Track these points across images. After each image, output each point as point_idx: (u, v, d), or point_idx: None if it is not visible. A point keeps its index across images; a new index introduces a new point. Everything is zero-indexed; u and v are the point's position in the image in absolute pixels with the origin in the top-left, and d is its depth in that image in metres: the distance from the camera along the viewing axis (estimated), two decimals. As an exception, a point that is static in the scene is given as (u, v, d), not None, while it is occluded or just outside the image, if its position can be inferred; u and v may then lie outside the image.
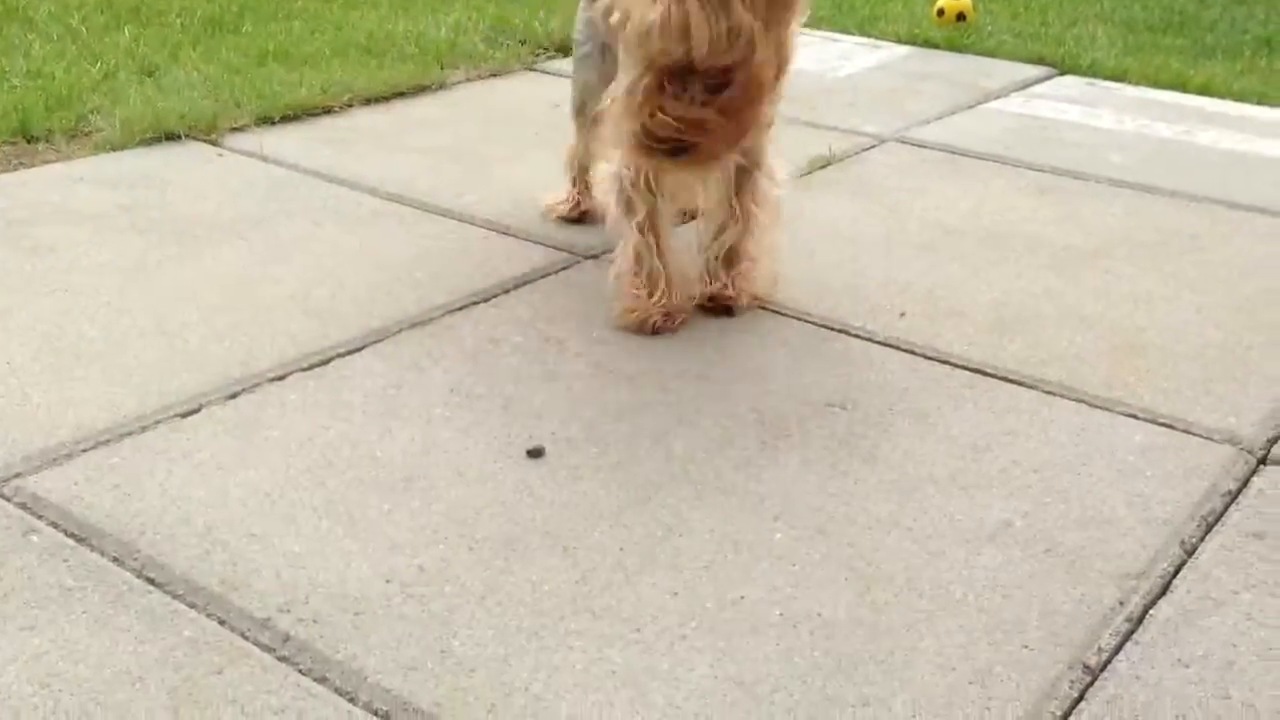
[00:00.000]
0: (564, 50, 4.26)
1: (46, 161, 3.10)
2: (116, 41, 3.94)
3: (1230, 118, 3.81)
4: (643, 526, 1.78)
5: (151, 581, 1.63)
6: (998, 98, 3.99)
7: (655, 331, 2.32)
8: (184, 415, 2.02)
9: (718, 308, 2.41)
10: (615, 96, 2.12)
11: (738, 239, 2.39)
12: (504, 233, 2.77)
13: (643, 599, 1.63)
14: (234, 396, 2.08)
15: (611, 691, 1.48)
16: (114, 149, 3.18)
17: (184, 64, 3.77)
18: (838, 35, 4.69)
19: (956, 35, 4.68)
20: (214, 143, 3.27)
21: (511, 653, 1.53)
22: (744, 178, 2.36)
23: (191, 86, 3.55)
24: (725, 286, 2.41)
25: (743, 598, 1.64)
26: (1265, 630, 1.61)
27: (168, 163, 3.12)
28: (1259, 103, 3.98)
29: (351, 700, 1.46)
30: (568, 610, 1.61)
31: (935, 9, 4.83)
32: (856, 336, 2.33)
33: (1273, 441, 2.04)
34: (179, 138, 3.27)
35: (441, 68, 3.97)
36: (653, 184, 2.28)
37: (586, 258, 2.65)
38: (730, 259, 2.41)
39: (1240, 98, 4.03)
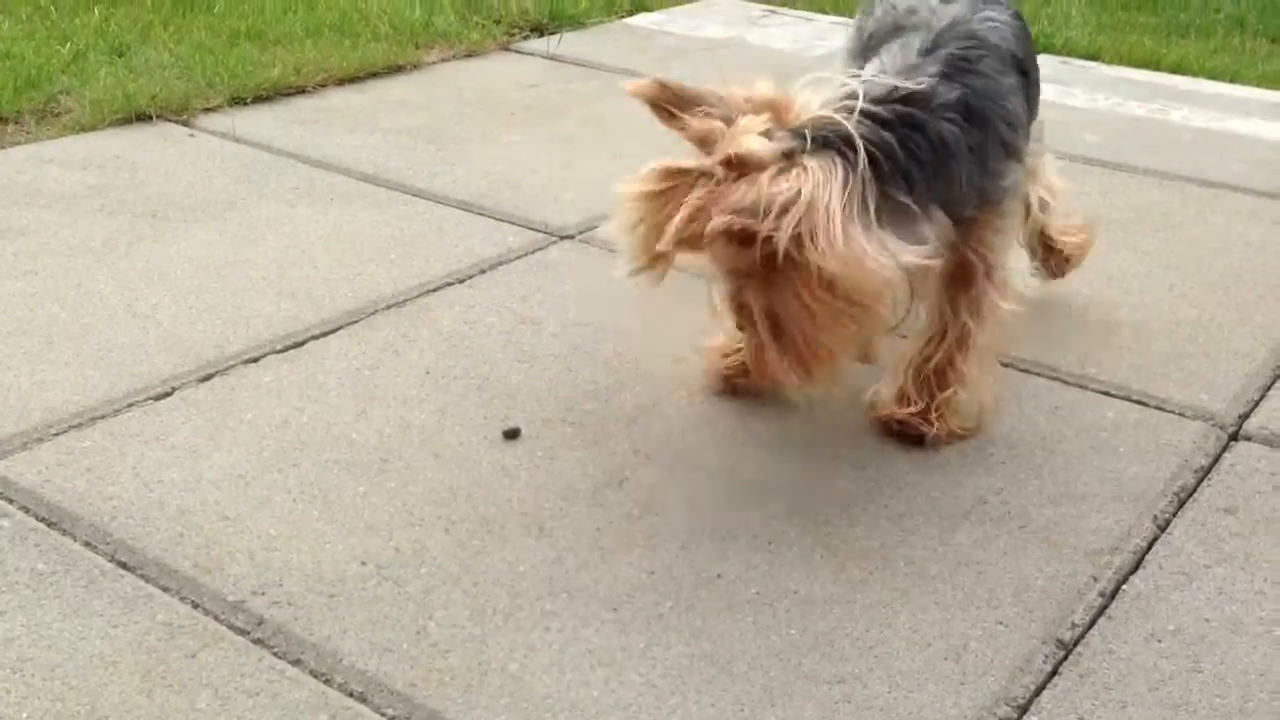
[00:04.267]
0: (539, 30, 4.25)
1: (15, 143, 3.06)
2: (86, 21, 3.90)
3: (1203, 96, 3.82)
4: (619, 506, 1.78)
5: (124, 565, 1.62)
6: (973, 76, 3.99)
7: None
8: (157, 398, 2.00)
9: (905, 435, 1.94)
10: None
11: (948, 358, 1.91)
12: (479, 213, 2.76)
13: (619, 578, 1.64)
14: (207, 379, 2.06)
15: (588, 671, 1.48)
16: (84, 130, 3.15)
17: (155, 44, 3.73)
18: (813, 15, 4.68)
19: (932, 14, 4.67)
20: (186, 123, 3.24)
21: (488, 633, 1.53)
22: (964, 282, 1.87)
23: (163, 66, 3.51)
24: (924, 412, 1.93)
25: (719, 576, 1.65)
26: (1236, 604, 1.62)
27: (139, 143, 3.09)
28: (1232, 81, 3.99)
29: (327, 682, 1.45)
30: (544, 590, 1.61)
31: (911, -12, 4.82)
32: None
33: (1244, 418, 2.05)
34: (150, 118, 3.23)
35: (416, 47, 3.94)
36: None
37: (562, 238, 2.64)
38: (934, 381, 1.92)
39: (1213, 76, 4.05)
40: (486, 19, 4.24)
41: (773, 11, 4.67)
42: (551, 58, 3.99)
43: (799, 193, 1.54)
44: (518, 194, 2.87)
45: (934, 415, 1.93)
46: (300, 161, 3.02)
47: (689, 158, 1.62)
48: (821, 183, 1.56)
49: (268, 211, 2.73)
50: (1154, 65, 4.14)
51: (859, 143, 1.60)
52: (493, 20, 4.24)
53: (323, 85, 3.58)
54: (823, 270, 1.57)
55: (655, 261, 1.64)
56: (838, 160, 1.60)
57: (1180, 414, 2.06)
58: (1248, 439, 2.00)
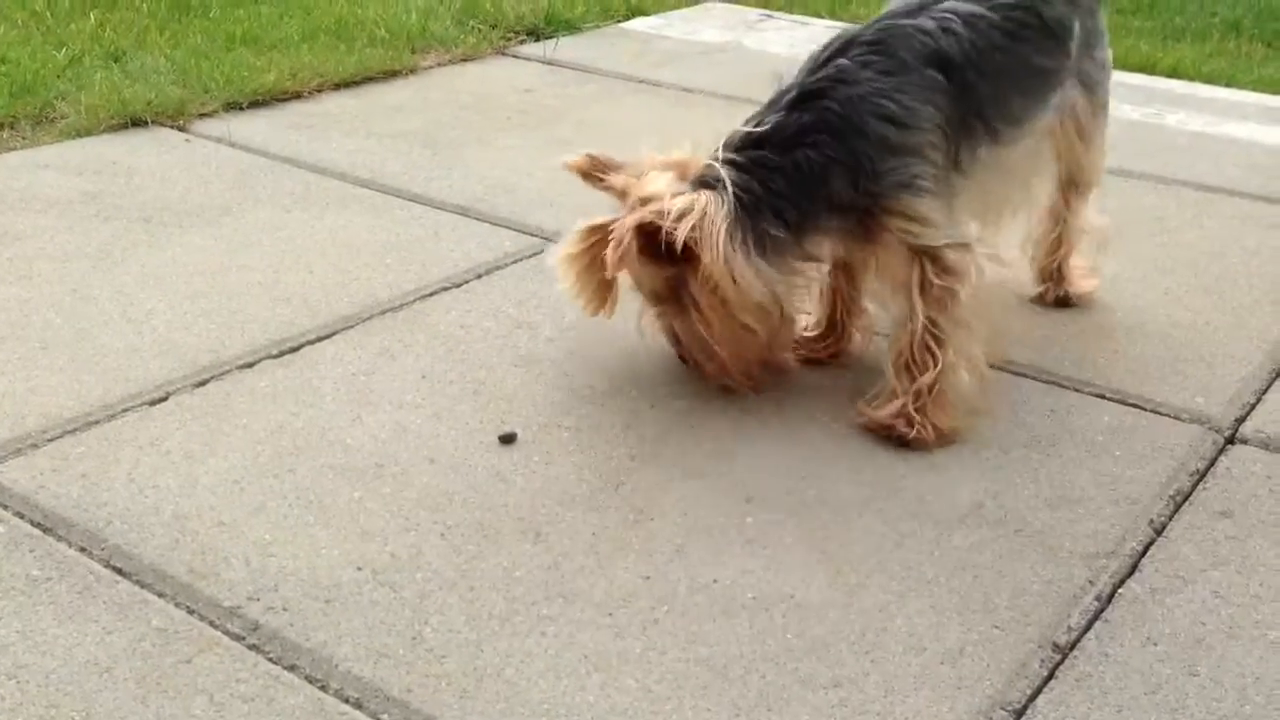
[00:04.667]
0: (535, 35, 4.25)
1: (11, 148, 3.06)
2: (82, 27, 3.90)
3: (1199, 100, 3.83)
4: (615, 511, 1.78)
5: (119, 571, 1.62)
6: (969, 81, 3.99)
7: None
8: (152, 403, 2.00)
9: (890, 438, 1.96)
10: None
11: (922, 346, 1.94)
12: (475, 218, 2.76)
13: (615, 583, 1.63)
14: (203, 384, 2.06)
15: (584, 676, 1.48)
16: (80, 135, 3.14)
17: (150, 49, 3.73)
18: (809, 19, 4.68)
19: (928, 18, 4.67)
20: (181, 128, 3.23)
21: (484, 638, 1.53)
22: (904, 272, 1.95)
23: (158, 72, 3.51)
24: (907, 414, 1.94)
25: (715, 581, 1.64)
26: (1232, 608, 1.62)
27: (134, 149, 3.09)
28: (1227, 85, 4.00)
29: (322, 688, 1.45)
30: (540, 595, 1.61)
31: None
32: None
33: (1240, 421, 2.05)
34: (146, 124, 3.23)
35: (412, 52, 3.94)
36: None
37: (558, 243, 2.63)
38: (914, 370, 1.95)
39: (1209, 80, 4.05)
40: (482, 24, 4.25)
41: (769, 16, 4.67)
42: (548, 62, 3.99)
43: (693, 204, 1.84)
44: (514, 198, 2.87)
45: (916, 415, 1.94)
46: (296, 166, 3.02)
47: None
48: (712, 202, 1.85)
49: (263, 217, 2.73)
50: (1150, 69, 4.14)
51: (728, 185, 1.87)
52: (488, 25, 4.25)
53: (318, 90, 3.58)
54: (712, 279, 1.86)
55: (600, 305, 2.00)
56: (721, 195, 1.87)
57: (1176, 417, 2.06)
58: (1244, 442, 2.00)
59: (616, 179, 1.97)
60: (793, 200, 1.90)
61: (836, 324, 2.18)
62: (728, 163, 1.90)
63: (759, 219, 1.88)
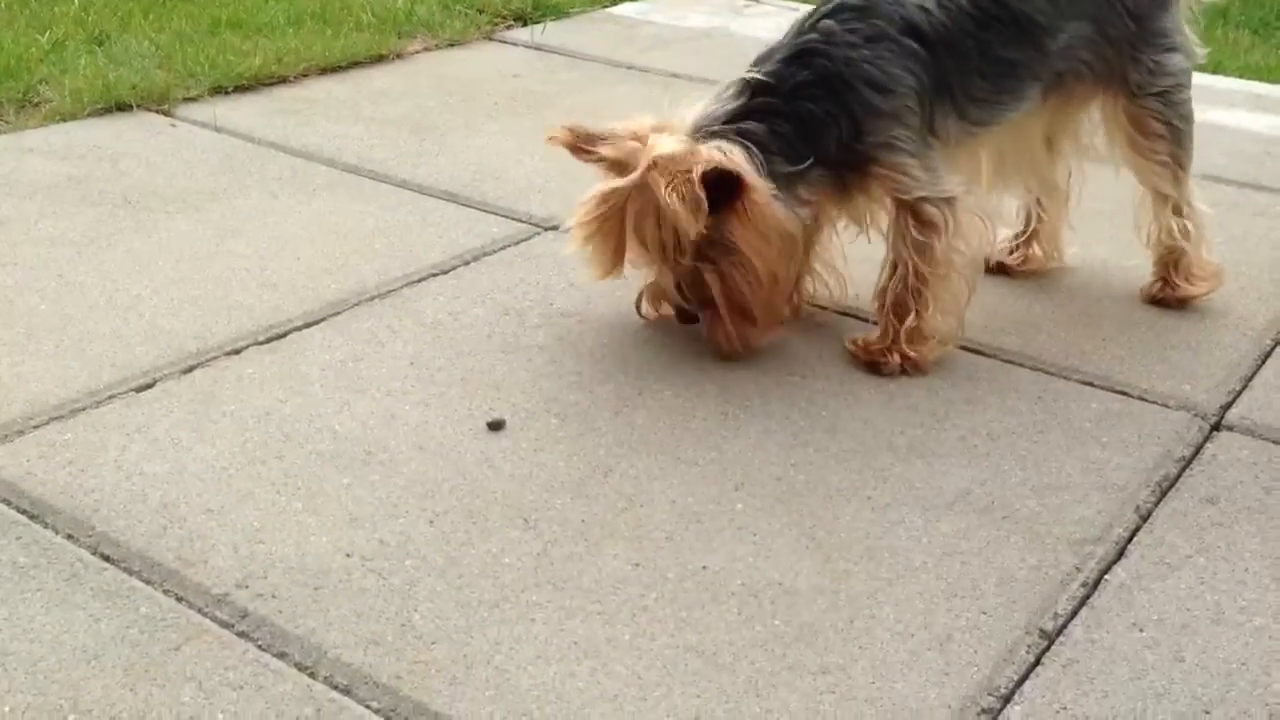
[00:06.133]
0: (522, 20, 4.23)
1: (-6, 133, 3.04)
2: (66, 10, 3.87)
3: (1186, 87, 3.83)
4: (604, 498, 1.78)
5: (107, 558, 1.61)
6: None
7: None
8: (139, 390, 1.99)
9: (869, 363, 2.15)
10: None
11: (908, 288, 2.11)
12: (463, 204, 2.75)
13: (604, 570, 1.63)
14: (190, 371, 2.05)
15: (573, 662, 1.48)
16: (64, 119, 3.12)
17: (135, 32, 3.71)
18: (796, 5, 4.67)
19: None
20: (166, 113, 3.21)
21: (473, 625, 1.53)
22: (902, 219, 2.12)
23: (143, 56, 3.49)
24: (883, 342, 2.13)
25: (704, 568, 1.65)
26: (1218, 594, 1.63)
27: (119, 134, 3.07)
28: (1214, 72, 4.00)
29: (311, 675, 1.45)
30: (529, 582, 1.61)
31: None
32: (816, 306, 2.34)
33: (1226, 408, 2.06)
34: (131, 108, 3.21)
35: (399, 37, 3.92)
36: None
37: (546, 229, 2.63)
38: (890, 311, 2.13)
39: (1196, 67, 4.04)
40: (470, 8, 4.23)
41: (755, 1, 4.66)
42: (535, 47, 3.97)
43: (725, 152, 1.97)
44: (501, 184, 2.86)
45: (892, 345, 2.12)
46: (282, 152, 3.01)
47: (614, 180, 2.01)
48: (737, 148, 1.99)
49: (250, 202, 2.71)
50: (1136, 56, 4.13)
51: (734, 136, 2.00)
52: (476, 9, 4.23)
53: (305, 75, 3.56)
54: (759, 216, 1.98)
55: (612, 269, 2.09)
56: (738, 143, 2.00)
57: (1163, 404, 2.07)
58: (1230, 429, 2.01)
59: (606, 150, 2.03)
60: (794, 147, 2.03)
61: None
62: (736, 113, 2.03)
63: (770, 161, 2.02)
